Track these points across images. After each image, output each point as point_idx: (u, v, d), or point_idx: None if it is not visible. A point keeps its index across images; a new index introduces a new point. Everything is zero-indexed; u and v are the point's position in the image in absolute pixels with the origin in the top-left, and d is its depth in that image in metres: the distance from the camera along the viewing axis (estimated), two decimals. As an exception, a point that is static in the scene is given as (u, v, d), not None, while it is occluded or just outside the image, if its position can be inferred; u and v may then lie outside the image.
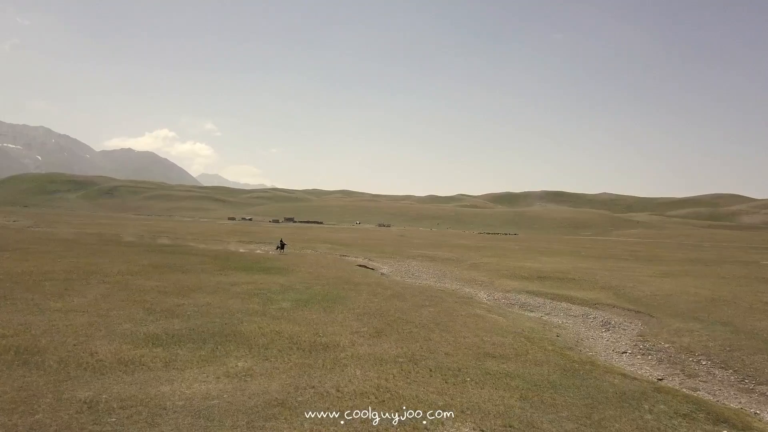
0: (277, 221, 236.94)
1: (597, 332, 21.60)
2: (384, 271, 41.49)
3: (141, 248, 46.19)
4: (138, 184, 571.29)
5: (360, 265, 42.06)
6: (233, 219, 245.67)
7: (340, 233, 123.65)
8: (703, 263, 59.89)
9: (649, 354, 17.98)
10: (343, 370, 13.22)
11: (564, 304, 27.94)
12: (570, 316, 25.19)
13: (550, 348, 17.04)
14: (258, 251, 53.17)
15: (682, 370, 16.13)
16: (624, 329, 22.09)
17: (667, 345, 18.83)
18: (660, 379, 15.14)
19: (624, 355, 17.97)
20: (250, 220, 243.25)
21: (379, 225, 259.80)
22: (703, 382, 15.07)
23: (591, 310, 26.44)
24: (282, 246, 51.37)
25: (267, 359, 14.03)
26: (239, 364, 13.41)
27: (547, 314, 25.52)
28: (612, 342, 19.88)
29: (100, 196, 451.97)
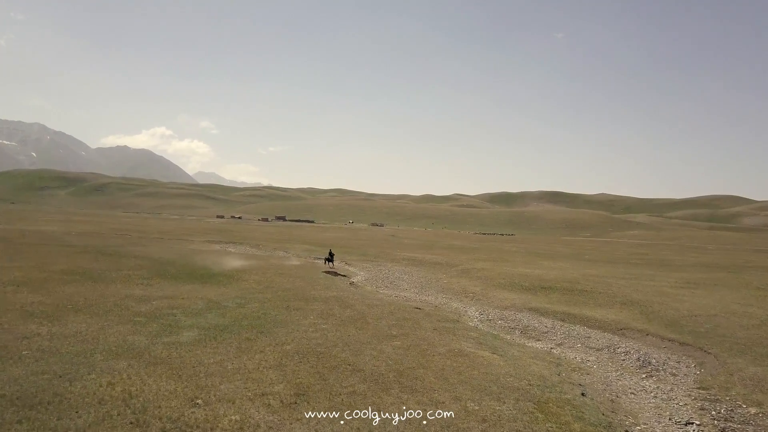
0: (266, 219, 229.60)
1: (635, 380, 14.90)
2: (357, 278, 34.66)
3: (74, 249, 39.29)
4: (129, 181, 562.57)
5: (327, 272, 35.17)
6: (222, 217, 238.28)
7: (327, 233, 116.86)
8: (724, 269, 53.37)
9: (733, 430, 11.26)
10: None
11: (580, 329, 21.24)
12: (591, 348, 18.48)
13: (576, 426, 10.34)
14: (192, 253, 46.39)
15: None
16: (674, 374, 15.38)
17: (753, 410, 12.12)
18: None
19: (691, 430, 11.27)
20: (239, 218, 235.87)
21: (372, 224, 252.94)
22: None
23: (618, 338, 19.73)
24: (331, 258, 41.33)
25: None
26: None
27: (560, 345, 18.83)
28: (663, 400, 13.17)
29: (90, 193, 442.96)
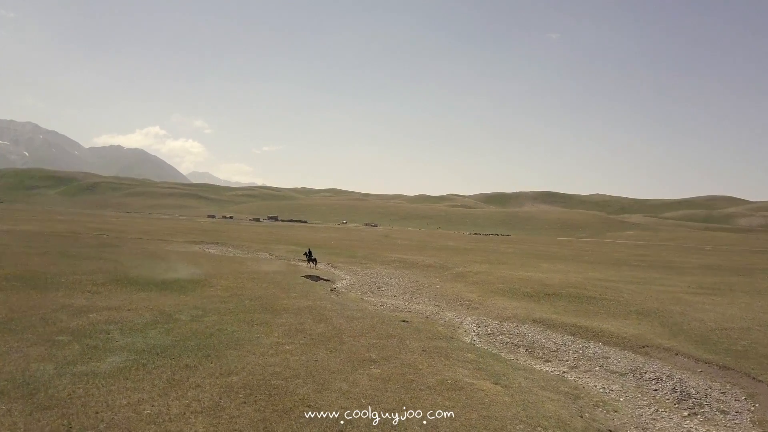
0: (257, 219, 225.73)
1: (676, 419, 11.78)
2: (340, 283, 31.41)
3: (35, 251, 35.84)
4: (121, 180, 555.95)
5: (309, 276, 31.89)
6: (213, 217, 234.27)
7: (318, 233, 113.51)
8: (733, 272, 50.58)
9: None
10: None
11: (595, 346, 18.11)
12: (612, 372, 15.34)
13: None
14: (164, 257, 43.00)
15: None
16: (723, 411, 12.26)
17: None
18: None
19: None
20: (231, 218, 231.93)
21: (366, 224, 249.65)
22: None
23: (642, 358, 16.61)
24: (312, 259, 39.47)
25: None
26: None
27: (574, 368, 15.70)
28: (720, 453, 10.02)
29: (80, 193, 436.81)
